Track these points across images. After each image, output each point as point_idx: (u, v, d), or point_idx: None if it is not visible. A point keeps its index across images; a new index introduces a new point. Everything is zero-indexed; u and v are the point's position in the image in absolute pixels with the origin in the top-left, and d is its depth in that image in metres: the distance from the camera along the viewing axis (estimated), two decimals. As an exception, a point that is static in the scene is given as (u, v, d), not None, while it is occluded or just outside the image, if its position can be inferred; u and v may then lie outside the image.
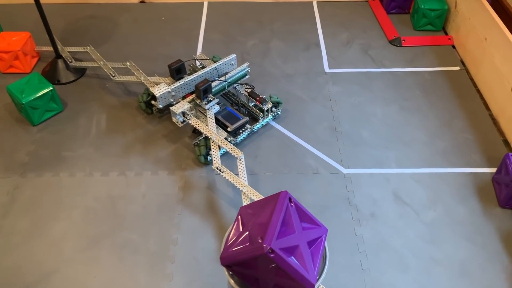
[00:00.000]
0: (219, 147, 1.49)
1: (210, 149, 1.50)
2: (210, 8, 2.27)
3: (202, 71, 1.63)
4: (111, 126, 1.68)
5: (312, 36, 2.09)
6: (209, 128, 1.52)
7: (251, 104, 1.68)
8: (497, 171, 1.46)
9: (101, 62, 1.80)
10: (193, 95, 1.62)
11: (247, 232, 0.77)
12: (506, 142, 1.61)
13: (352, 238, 1.33)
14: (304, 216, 0.79)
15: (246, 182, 1.39)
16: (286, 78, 1.87)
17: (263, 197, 1.26)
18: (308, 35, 2.10)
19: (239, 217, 0.80)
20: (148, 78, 1.70)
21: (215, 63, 1.66)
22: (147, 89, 1.67)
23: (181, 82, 1.59)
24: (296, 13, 2.24)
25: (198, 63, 1.81)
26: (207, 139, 1.53)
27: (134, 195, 1.45)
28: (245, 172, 1.42)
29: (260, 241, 0.73)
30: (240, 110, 1.69)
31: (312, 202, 1.43)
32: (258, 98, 1.64)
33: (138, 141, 1.62)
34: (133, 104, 1.76)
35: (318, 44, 2.04)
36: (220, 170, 1.41)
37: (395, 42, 2.03)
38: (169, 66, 1.62)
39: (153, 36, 2.10)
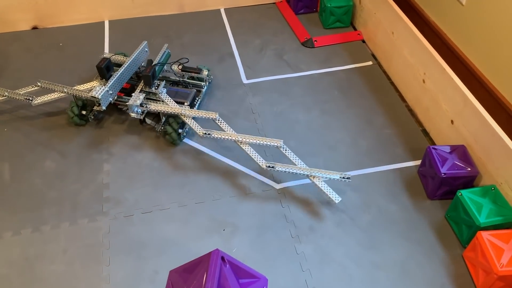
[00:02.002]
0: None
1: (181, 127, 1.57)
2: (112, 27, 2.12)
3: (127, 63, 1.61)
4: (16, 173, 1.50)
5: (224, 46, 2.03)
6: (173, 106, 1.56)
7: (186, 78, 1.74)
8: (421, 163, 1.50)
9: (6, 93, 1.63)
10: (140, 85, 1.62)
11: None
12: (425, 131, 1.67)
13: (294, 257, 1.30)
14: (240, 272, 0.73)
15: (235, 133, 1.48)
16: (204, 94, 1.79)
17: (262, 138, 1.44)
18: (220, 45, 2.03)
19: (171, 284, 0.72)
20: (73, 88, 1.59)
21: (132, 55, 1.64)
22: (70, 105, 1.61)
23: (115, 77, 1.55)
24: (204, 22, 2.16)
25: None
26: (170, 119, 1.57)
27: (53, 252, 1.30)
28: (229, 127, 1.50)
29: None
30: (182, 86, 1.74)
31: (249, 225, 1.37)
32: (195, 69, 1.72)
33: (50, 186, 1.46)
34: (44, 133, 1.59)
35: (232, 54, 1.98)
36: (208, 134, 1.47)
37: (307, 43, 2.02)
38: (98, 66, 1.58)
39: (51, 65, 1.91)
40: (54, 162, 1.54)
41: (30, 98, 1.62)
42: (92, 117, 1.68)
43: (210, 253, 0.70)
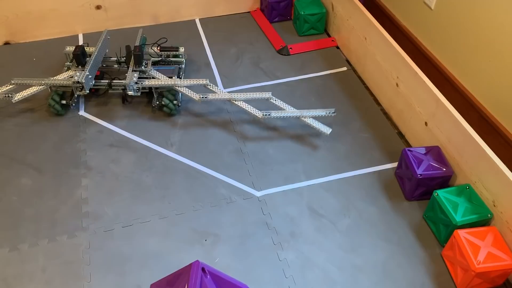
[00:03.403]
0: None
1: (172, 99, 1.69)
2: (86, 40, 2.10)
3: (97, 48, 1.75)
4: (-8, 194, 1.47)
5: (201, 55, 2.03)
6: (166, 80, 1.70)
7: (164, 57, 1.87)
8: (398, 165, 1.53)
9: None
10: (131, 66, 1.73)
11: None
12: (400, 134, 1.70)
13: (277, 264, 1.30)
14: (222, 282, 0.73)
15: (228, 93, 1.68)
16: (182, 105, 1.79)
17: (252, 93, 1.65)
18: (197, 55, 2.03)
19: (151, 298, 0.72)
20: (52, 78, 1.69)
21: (99, 42, 1.78)
22: (50, 95, 1.68)
23: (91, 61, 1.68)
24: (179, 33, 2.16)
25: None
26: (164, 93, 1.70)
27: (32, 272, 1.27)
28: (220, 89, 1.71)
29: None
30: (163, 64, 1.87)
31: (231, 234, 1.37)
32: (171, 48, 1.86)
33: (27, 203, 1.44)
34: (19, 148, 1.56)
35: (208, 64, 1.99)
36: (204, 97, 1.65)
37: (283, 51, 2.04)
38: (75, 53, 1.69)
39: (26, 80, 1.88)
40: (30, 179, 1.51)
41: (10, 95, 1.64)
42: (73, 104, 1.75)
43: (190, 264, 0.70)
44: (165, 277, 0.74)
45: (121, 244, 1.34)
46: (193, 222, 1.40)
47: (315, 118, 1.64)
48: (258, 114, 1.63)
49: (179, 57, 1.87)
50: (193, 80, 1.69)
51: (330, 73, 1.95)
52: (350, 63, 2.01)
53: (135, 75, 1.69)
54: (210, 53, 2.05)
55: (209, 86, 1.69)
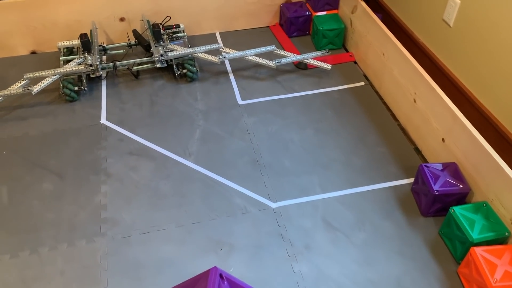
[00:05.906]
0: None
1: (192, 65, 1.95)
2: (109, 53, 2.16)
3: (94, 35, 1.97)
4: (14, 196, 1.51)
5: (219, 68, 2.07)
6: (185, 49, 1.93)
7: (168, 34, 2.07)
8: (414, 181, 1.52)
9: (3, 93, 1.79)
10: (153, 43, 1.95)
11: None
12: (417, 149, 1.70)
13: (291, 276, 1.31)
14: (238, 289, 0.74)
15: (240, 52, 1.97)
16: (200, 116, 1.82)
17: (259, 49, 1.97)
18: (215, 68, 2.07)
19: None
20: (64, 67, 1.84)
21: (94, 31, 1.99)
22: (63, 85, 1.85)
23: (95, 47, 1.91)
24: (200, 45, 2.20)
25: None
26: (184, 63, 1.95)
27: (50, 275, 1.30)
28: (233, 50, 1.99)
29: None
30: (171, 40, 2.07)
31: (245, 245, 1.38)
32: (174, 26, 2.08)
33: (48, 207, 1.47)
34: (42, 154, 1.60)
35: (227, 76, 2.02)
36: (223, 57, 1.93)
37: (301, 65, 2.07)
38: (84, 41, 1.87)
39: (49, 88, 1.94)
40: (52, 184, 1.55)
41: (29, 88, 1.76)
42: (85, 88, 1.89)
43: (208, 270, 0.71)
44: (181, 283, 0.76)
45: (138, 250, 1.37)
46: (208, 231, 1.42)
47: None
48: (271, 64, 1.94)
49: (180, 33, 2.09)
50: (207, 46, 1.94)
51: (348, 88, 1.97)
52: (368, 78, 2.02)
53: (160, 48, 1.91)
54: (229, 66, 2.08)
55: (222, 49, 1.97)
